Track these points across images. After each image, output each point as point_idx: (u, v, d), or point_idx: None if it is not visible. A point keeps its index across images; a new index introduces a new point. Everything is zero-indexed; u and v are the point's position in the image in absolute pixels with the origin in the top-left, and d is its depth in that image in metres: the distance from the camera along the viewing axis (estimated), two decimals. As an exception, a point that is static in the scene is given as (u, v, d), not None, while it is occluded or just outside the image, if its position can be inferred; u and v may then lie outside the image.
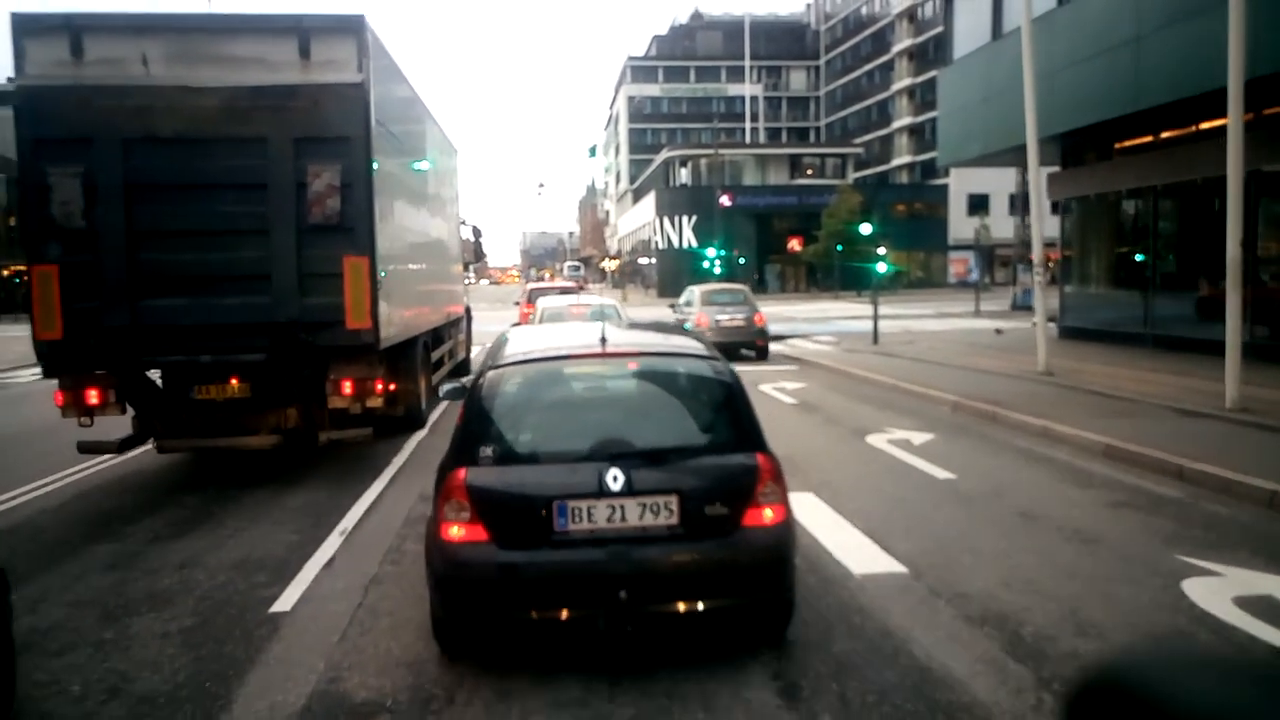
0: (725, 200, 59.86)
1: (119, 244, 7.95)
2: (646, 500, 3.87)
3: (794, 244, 66.71)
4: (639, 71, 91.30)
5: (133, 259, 7.99)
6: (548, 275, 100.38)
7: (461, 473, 4.00)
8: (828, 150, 67.99)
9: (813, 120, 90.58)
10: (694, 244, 62.00)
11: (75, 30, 7.86)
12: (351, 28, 8.19)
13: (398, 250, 9.69)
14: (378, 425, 9.40)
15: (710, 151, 63.74)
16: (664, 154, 66.46)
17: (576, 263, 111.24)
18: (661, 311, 24.64)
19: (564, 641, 4.47)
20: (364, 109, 8.17)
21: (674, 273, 63.52)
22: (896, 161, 73.58)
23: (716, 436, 4.33)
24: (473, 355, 17.40)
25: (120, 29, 8.08)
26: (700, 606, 3.95)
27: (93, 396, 8.28)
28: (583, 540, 3.86)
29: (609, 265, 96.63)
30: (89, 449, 8.83)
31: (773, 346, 21.24)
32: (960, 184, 65.22)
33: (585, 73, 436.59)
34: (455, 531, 3.93)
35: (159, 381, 8.93)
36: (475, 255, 19.87)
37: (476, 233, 19.59)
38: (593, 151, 36.38)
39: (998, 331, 22.89)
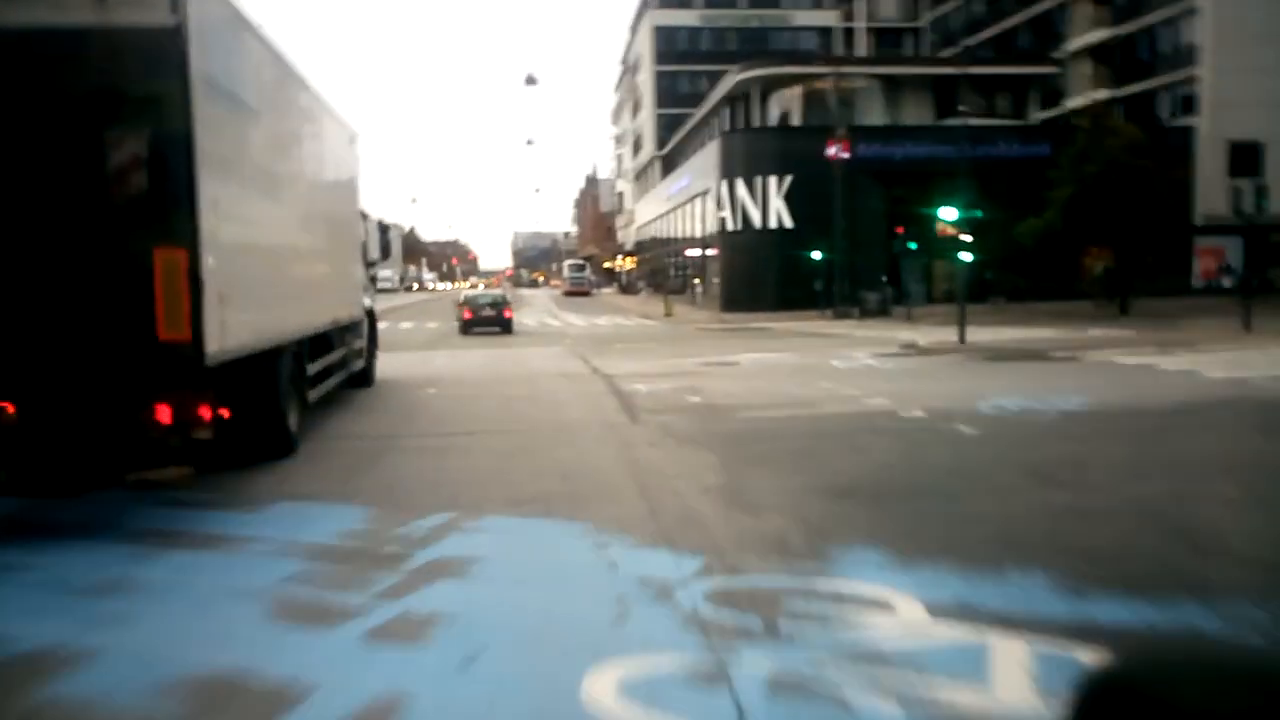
0: (839, 150, 35.30)
1: None
2: (492, 308, 32.36)
3: (945, 222, 42.10)
4: (668, -6, 66.41)
5: None
6: (540, 278, 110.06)
7: (465, 305, 33.07)
8: (1001, 70, 42.81)
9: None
10: (786, 222, 37.19)
11: None
12: None
13: (247, 241, 7.96)
14: (228, 453, 7.88)
15: (820, 70, 38.91)
16: (735, 76, 41.19)
17: (580, 261, 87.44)
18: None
19: (483, 331, 31.26)
20: (180, 60, 6.49)
21: (749, 271, 38.46)
22: (1072, 103, 48.80)
23: (501, 300, 33.81)
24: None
25: None
26: (501, 328, 31.81)
27: None
28: (485, 313, 32.02)
29: (625, 264, 72.70)
30: None
31: None
32: (1216, 127, 40.53)
33: (573, 49, 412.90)
34: (464, 315, 31.94)
35: None
36: (382, 253, 18.00)
37: (383, 228, 17.99)
38: None
39: None
